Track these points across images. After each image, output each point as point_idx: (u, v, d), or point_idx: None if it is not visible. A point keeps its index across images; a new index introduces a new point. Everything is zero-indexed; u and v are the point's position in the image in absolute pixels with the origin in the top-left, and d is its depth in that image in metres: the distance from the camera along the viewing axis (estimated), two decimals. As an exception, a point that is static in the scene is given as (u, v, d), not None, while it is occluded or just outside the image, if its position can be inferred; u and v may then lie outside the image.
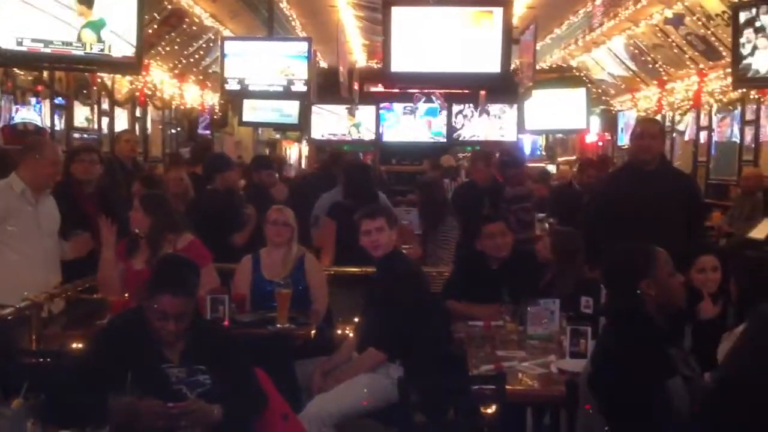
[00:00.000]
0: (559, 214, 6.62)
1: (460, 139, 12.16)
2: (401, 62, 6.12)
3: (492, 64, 5.87)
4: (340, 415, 3.53)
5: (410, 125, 12.56)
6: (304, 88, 7.98)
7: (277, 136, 16.50)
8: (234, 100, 11.20)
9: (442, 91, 10.48)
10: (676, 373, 2.36)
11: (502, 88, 5.82)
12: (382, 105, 12.66)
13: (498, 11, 5.91)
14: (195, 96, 11.59)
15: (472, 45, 5.93)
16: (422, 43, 6.04)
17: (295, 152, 18.85)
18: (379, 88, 12.00)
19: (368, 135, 13.23)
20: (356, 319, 4.48)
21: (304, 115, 11.89)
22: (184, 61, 10.38)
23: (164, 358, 2.69)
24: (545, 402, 3.52)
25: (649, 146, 4.41)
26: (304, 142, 15.55)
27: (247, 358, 2.89)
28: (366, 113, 13.00)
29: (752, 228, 6.82)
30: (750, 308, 2.81)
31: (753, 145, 8.65)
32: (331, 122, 13.44)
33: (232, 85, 8.15)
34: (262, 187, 6.15)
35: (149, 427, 2.47)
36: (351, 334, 4.43)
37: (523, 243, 4.93)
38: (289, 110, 11.41)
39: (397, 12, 6.04)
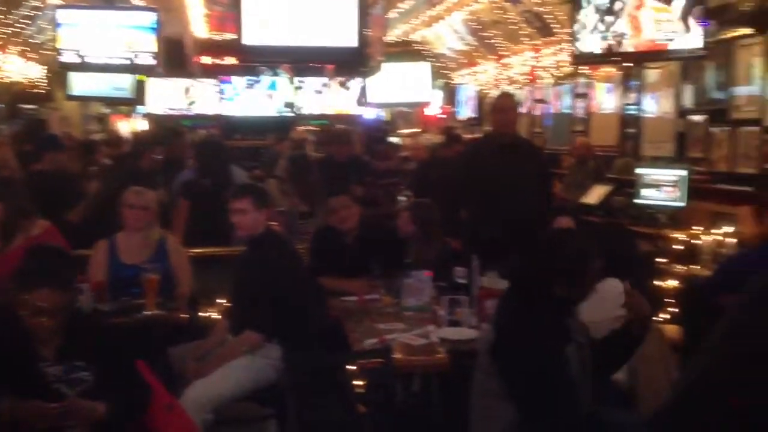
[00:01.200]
0: (424, 189, 6.70)
1: (307, 112, 12.08)
2: (254, 35, 5.93)
3: (348, 38, 5.83)
4: (220, 400, 3.47)
5: (254, 99, 12.30)
6: (152, 61, 7.56)
7: (107, 110, 15.60)
8: (60, 72, 10.43)
9: (288, 64, 10.32)
10: (572, 340, 2.50)
11: (359, 62, 5.82)
12: (223, 78, 12.31)
13: (352, -17, 5.86)
14: (17, 68, 10.64)
15: (327, 18, 5.87)
16: (276, 15, 5.89)
17: (126, 128, 17.90)
18: (223, 61, 11.64)
19: (209, 109, 12.81)
20: (219, 301, 4.40)
21: (139, 88, 11.33)
22: (5, 31, 9.49)
23: (39, 356, 2.49)
24: (424, 370, 3.61)
25: (506, 119, 4.63)
26: (137, 117, 14.78)
27: (127, 350, 2.76)
28: (207, 87, 12.59)
29: (584, 194, 7.36)
30: (617, 270, 3.01)
31: (584, 117, 9.29)
32: (169, 96, 12.90)
33: (69, 57, 7.56)
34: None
35: (32, 429, 2.29)
36: (215, 316, 4.34)
37: (391, 216, 5.02)
38: (123, 83, 10.81)
39: (249, -19, 5.84)
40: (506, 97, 4.92)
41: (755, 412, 0.95)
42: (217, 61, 12.62)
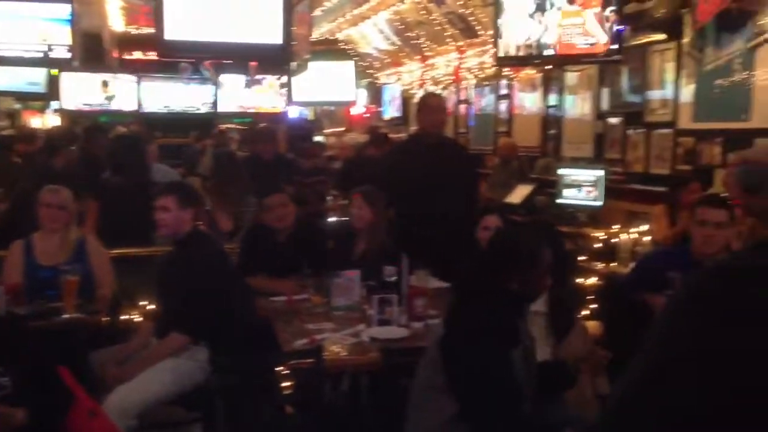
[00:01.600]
0: (349, 188, 6.67)
1: (230, 110, 11.87)
2: (176, 30, 5.79)
3: (273, 35, 5.77)
4: (145, 404, 3.36)
5: (175, 95, 12.01)
6: (67, 54, 7.27)
7: (18, 105, 14.96)
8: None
9: (210, 60, 10.13)
10: (519, 343, 2.50)
11: (283, 59, 5.75)
12: (143, 74, 11.97)
13: (277, -21, 5.80)
14: None
15: (252, 14, 5.79)
16: (199, 9, 5.77)
17: (38, 124, 17.19)
18: (132, 56, 11.31)
19: (127, 105, 12.44)
20: (142, 303, 4.29)
21: (54, 83, 10.91)
22: None
23: (-47, 363, 2.38)
24: (356, 369, 3.61)
25: (433, 120, 4.67)
26: (49, 113, 14.22)
27: (46, 355, 2.66)
28: (126, 82, 12.21)
29: (508, 194, 7.50)
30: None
31: (507, 117, 9.47)
32: (85, 91, 12.46)
33: (-20, 50, 7.20)
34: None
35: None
36: (137, 319, 4.23)
37: (318, 215, 4.98)
38: (36, 77, 10.40)
39: (169, -26, 5.70)
40: (435, 97, 4.97)
41: (689, 417, 0.98)
42: (131, 56, 12.25)
